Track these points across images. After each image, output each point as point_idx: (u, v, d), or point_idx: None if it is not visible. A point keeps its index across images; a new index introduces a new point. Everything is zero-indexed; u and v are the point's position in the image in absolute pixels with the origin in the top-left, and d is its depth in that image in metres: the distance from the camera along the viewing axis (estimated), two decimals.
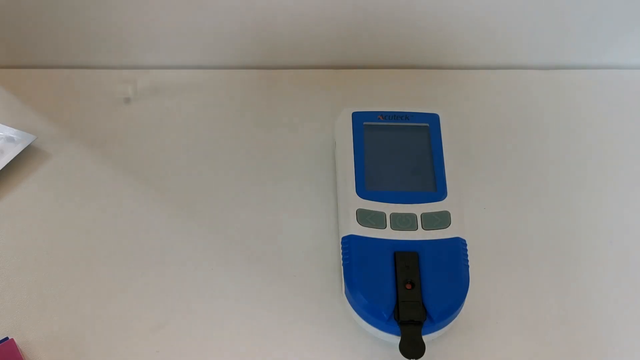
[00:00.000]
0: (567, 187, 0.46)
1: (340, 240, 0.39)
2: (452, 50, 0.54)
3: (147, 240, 0.43)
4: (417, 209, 0.39)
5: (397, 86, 0.53)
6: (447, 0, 0.51)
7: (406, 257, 0.37)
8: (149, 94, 0.52)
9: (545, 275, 0.41)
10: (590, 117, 0.51)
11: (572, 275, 0.41)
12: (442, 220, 0.39)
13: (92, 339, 0.38)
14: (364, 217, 0.39)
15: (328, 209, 0.44)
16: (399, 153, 0.43)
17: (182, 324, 0.39)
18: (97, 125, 0.50)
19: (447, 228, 0.39)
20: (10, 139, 0.48)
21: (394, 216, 0.39)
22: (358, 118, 0.44)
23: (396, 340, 0.36)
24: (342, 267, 0.38)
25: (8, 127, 0.48)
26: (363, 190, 0.40)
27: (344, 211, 0.40)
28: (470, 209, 0.44)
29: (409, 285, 0.37)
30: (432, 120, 0.44)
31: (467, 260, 0.38)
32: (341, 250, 0.39)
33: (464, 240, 0.39)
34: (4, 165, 0.46)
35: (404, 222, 0.39)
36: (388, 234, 0.38)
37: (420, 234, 0.38)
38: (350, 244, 0.38)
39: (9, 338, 0.37)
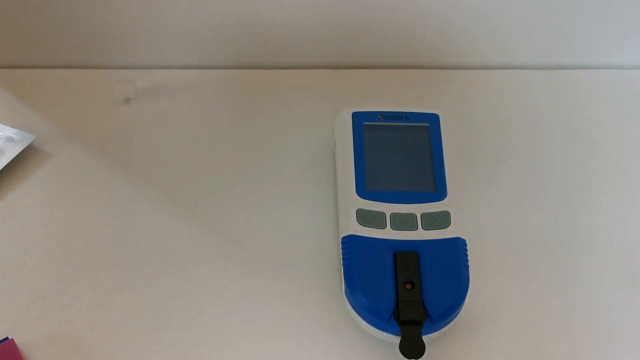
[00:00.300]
0: (568, 187, 0.46)
1: (340, 240, 0.39)
2: (452, 50, 0.54)
3: (147, 240, 0.43)
4: (417, 209, 0.39)
5: (397, 86, 0.53)
6: (447, 0, 0.51)
7: (406, 257, 0.37)
8: (149, 94, 0.52)
9: (546, 275, 0.41)
10: (590, 117, 0.51)
11: (573, 275, 0.41)
12: (442, 220, 0.39)
13: (92, 339, 0.38)
14: (364, 217, 0.39)
15: (328, 209, 0.44)
16: (399, 153, 0.43)
17: (182, 324, 0.39)
18: (97, 125, 0.50)
19: (447, 228, 0.39)
20: (10, 139, 0.48)
21: (394, 216, 0.39)
22: (358, 118, 0.44)
23: (396, 340, 0.36)
24: (342, 267, 0.38)
25: (8, 127, 0.48)
26: (363, 190, 0.40)
27: (344, 211, 0.40)
28: (470, 209, 0.44)
29: (409, 285, 0.36)
30: (432, 120, 0.44)
31: (467, 260, 0.38)
32: (341, 250, 0.39)
33: (464, 240, 0.39)
34: (4, 165, 0.46)
35: (404, 222, 0.39)
36: (388, 234, 0.38)
37: (420, 234, 0.38)
38: (350, 244, 0.38)
39: (9, 338, 0.37)
